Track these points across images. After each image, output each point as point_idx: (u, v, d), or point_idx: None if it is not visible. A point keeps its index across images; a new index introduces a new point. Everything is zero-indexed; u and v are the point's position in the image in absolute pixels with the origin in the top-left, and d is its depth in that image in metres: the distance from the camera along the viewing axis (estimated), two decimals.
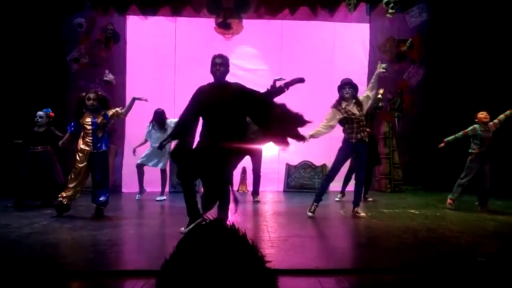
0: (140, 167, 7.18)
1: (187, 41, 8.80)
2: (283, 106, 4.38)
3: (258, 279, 0.70)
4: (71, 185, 5.40)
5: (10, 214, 5.66)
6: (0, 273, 3.09)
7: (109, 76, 8.64)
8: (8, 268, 3.21)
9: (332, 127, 5.63)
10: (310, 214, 5.60)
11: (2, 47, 7.83)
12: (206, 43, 8.62)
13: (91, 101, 5.40)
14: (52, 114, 6.54)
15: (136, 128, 7.95)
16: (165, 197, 7.24)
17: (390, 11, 8.81)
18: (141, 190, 7.28)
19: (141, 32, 8.78)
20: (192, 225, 4.16)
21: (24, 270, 3.17)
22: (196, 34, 8.80)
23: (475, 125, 6.29)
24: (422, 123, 9.10)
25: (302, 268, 3.28)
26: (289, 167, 8.73)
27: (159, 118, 7.17)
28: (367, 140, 5.62)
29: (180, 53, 8.79)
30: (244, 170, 8.28)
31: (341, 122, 5.61)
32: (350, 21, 8.94)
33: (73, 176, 5.40)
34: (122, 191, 8.30)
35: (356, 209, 5.72)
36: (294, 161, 8.67)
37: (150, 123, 7.28)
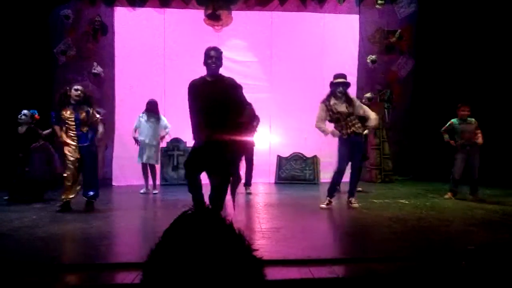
0: (144, 165, 7.15)
1: (176, 33, 8.72)
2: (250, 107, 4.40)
3: (244, 268, 0.69)
4: (69, 183, 5.29)
5: (0, 208, 5.60)
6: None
7: (98, 69, 8.54)
8: (5, 260, 3.18)
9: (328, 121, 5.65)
10: (323, 206, 5.56)
11: None
12: (195, 35, 8.55)
13: (78, 92, 5.32)
14: (38, 117, 6.44)
15: (126, 121, 7.88)
16: (157, 191, 7.20)
17: (380, 2, 8.83)
18: (147, 185, 7.22)
19: (130, 24, 8.67)
20: None
21: (14, 264, 3.14)
22: (185, 25, 8.72)
23: (452, 120, 6.56)
24: (411, 114, 9.16)
25: (294, 259, 3.29)
26: (280, 159, 8.74)
27: (152, 108, 7.09)
28: (360, 131, 5.62)
29: (169, 45, 8.71)
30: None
31: (330, 119, 5.61)
32: (339, 12, 8.94)
33: (68, 173, 5.30)
34: (113, 184, 8.25)
35: (350, 199, 5.75)
36: (285, 153, 8.69)
37: (142, 113, 7.18)
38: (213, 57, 4.36)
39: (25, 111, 6.32)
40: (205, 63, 4.41)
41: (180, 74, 8.51)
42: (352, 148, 5.58)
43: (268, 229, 4.35)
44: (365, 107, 5.83)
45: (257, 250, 0.73)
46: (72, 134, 5.31)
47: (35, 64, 8.04)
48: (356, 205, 5.65)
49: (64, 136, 5.35)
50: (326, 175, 8.30)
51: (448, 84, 8.44)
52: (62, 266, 3.19)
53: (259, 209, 5.70)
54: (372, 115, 5.72)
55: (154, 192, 7.12)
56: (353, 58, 9.01)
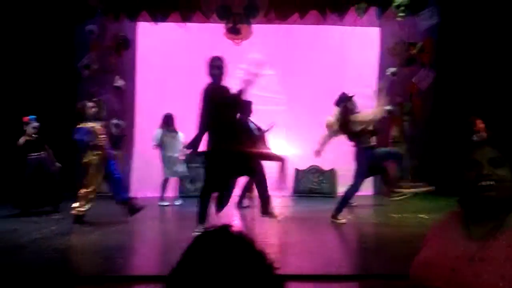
0: (167, 179, 7.31)
1: (196, 47, 8.83)
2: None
3: (265, 285, 0.69)
4: (92, 195, 5.43)
5: (18, 219, 5.71)
6: (9, 278, 3.12)
7: (119, 82, 8.73)
8: (17, 273, 3.24)
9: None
10: (343, 221, 5.42)
11: (15, 54, 7.93)
12: (215, 48, 8.63)
13: (93, 107, 5.53)
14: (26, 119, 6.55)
15: (146, 133, 8.00)
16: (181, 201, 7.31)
17: (400, 14, 8.76)
18: (163, 197, 7.33)
19: (151, 38, 8.86)
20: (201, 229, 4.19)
21: (33, 275, 3.20)
22: (205, 39, 8.84)
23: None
24: (432, 127, 9.00)
25: (311, 274, 3.26)
26: (297, 172, 8.69)
27: (171, 121, 7.19)
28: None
29: (189, 59, 8.83)
30: None
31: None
32: (359, 25, 8.91)
33: (90, 184, 5.40)
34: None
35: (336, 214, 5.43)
36: (303, 166, 8.63)
37: (160, 128, 7.28)
38: (218, 67, 4.37)
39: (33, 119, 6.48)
40: (210, 73, 4.41)
41: (200, 88, 8.61)
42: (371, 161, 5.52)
43: (284, 243, 4.32)
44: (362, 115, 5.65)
45: (279, 268, 0.73)
46: (99, 144, 5.45)
47: (60, 77, 8.27)
48: (343, 220, 5.41)
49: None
50: (343, 189, 8.24)
51: (469, 97, 8.27)
52: (79, 278, 3.24)
53: (275, 223, 5.66)
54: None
55: (177, 203, 7.18)
56: (373, 70, 8.95)
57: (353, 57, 8.93)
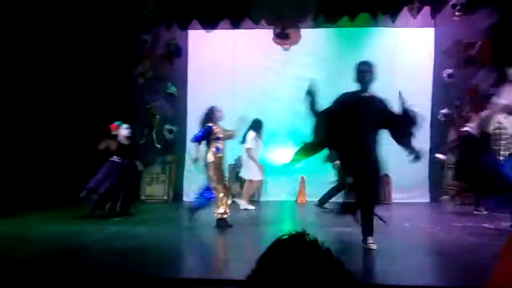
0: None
1: (245, 53, 8.95)
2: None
3: None
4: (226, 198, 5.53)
5: (80, 220, 5.99)
6: (75, 277, 3.28)
7: (172, 89, 9.01)
8: (83, 272, 3.40)
9: None
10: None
11: (79, 63, 8.36)
12: (263, 53, 8.72)
13: (220, 111, 5.74)
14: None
15: None
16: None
17: (457, 13, 8.37)
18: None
19: (202, 45, 9.06)
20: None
21: (97, 275, 3.33)
22: (254, 45, 8.92)
23: None
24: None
25: (385, 284, 3.17)
26: None
27: (259, 126, 7.37)
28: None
29: (238, 65, 8.95)
30: (302, 180, 8.19)
31: None
32: (413, 25, 8.62)
33: (224, 188, 5.53)
34: (183, 199, 8.54)
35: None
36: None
37: (253, 132, 7.31)
38: (364, 72, 4.02)
39: (124, 125, 6.77)
40: (357, 79, 4.06)
41: (249, 93, 8.72)
42: None
43: (338, 250, 4.22)
44: None
45: (356, 277, 0.70)
46: (219, 149, 5.58)
47: (116, 86, 8.64)
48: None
49: (212, 151, 5.54)
50: (397, 196, 7.99)
51: None
52: (136, 278, 3.33)
53: (329, 230, 5.55)
54: None
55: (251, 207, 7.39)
56: (428, 72, 8.61)
57: (406, 59, 8.64)
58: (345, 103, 3.99)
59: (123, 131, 6.68)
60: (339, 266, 0.69)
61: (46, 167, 7.32)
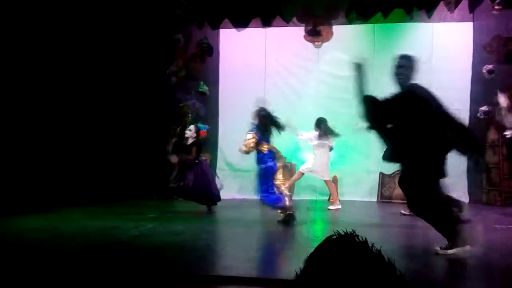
0: None
1: (277, 51, 8.91)
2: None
3: None
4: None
5: (117, 216, 6.14)
6: (113, 273, 3.35)
7: (204, 88, 9.10)
8: (122, 268, 3.48)
9: None
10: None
11: (114, 63, 8.57)
12: (295, 51, 8.66)
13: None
14: (203, 133, 7.23)
15: (228, 136, 8.33)
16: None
17: (496, 7, 8.03)
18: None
19: (233, 44, 9.10)
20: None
21: (136, 271, 3.40)
22: (285, 43, 8.87)
23: None
24: None
25: None
26: (383, 176, 8.34)
27: (322, 125, 7.25)
28: None
29: (270, 63, 8.93)
30: (335, 178, 8.07)
31: None
32: (450, 20, 8.33)
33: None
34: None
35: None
36: (388, 170, 8.25)
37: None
38: (399, 67, 3.81)
39: (191, 126, 7.00)
40: (394, 73, 3.86)
41: (280, 91, 8.67)
42: None
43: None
44: None
45: (412, 283, 0.67)
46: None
47: (152, 85, 8.82)
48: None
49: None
50: None
51: None
52: (174, 276, 3.37)
53: (360, 230, 5.45)
54: None
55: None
56: (466, 68, 8.29)
57: (443, 55, 8.35)
58: (418, 96, 3.75)
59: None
60: (391, 270, 0.66)
61: (89, 164, 7.57)
